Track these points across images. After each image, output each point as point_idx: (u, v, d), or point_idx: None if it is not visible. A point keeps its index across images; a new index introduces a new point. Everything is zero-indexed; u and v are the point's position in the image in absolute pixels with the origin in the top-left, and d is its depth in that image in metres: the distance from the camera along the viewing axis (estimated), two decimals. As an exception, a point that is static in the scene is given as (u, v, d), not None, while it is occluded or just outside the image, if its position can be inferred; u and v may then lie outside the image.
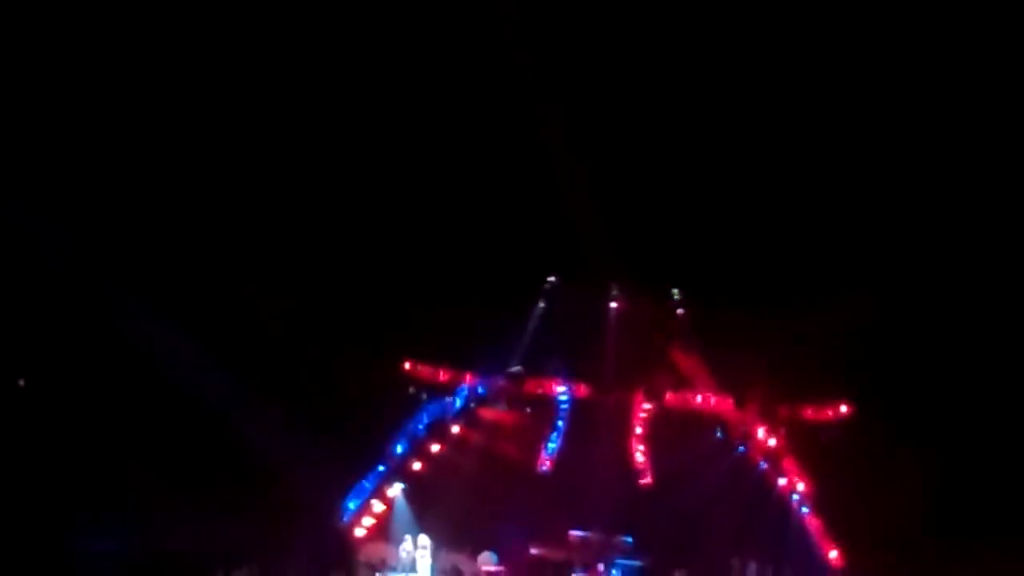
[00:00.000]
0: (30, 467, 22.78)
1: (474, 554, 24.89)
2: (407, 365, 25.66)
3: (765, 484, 25.24)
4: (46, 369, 23.91)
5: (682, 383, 25.70)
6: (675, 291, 26.12)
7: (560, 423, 25.38)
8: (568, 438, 25.28)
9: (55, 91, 22.16)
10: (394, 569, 23.95)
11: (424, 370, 25.71)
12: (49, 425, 23.27)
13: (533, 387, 25.79)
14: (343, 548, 24.59)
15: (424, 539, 24.00)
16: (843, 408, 25.32)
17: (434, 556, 23.95)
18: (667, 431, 25.47)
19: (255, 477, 23.63)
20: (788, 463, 25.13)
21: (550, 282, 26.09)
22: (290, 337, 24.48)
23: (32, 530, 21.73)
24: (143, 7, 22.07)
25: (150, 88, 22.71)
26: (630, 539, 24.83)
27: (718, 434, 25.76)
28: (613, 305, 26.12)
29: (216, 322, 24.10)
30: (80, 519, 22.61)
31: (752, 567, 25.25)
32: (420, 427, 25.37)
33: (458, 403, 25.54)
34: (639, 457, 25.19)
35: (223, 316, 24.16)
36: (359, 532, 24.59)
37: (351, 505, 24.72)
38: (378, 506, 24.68)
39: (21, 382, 23.94)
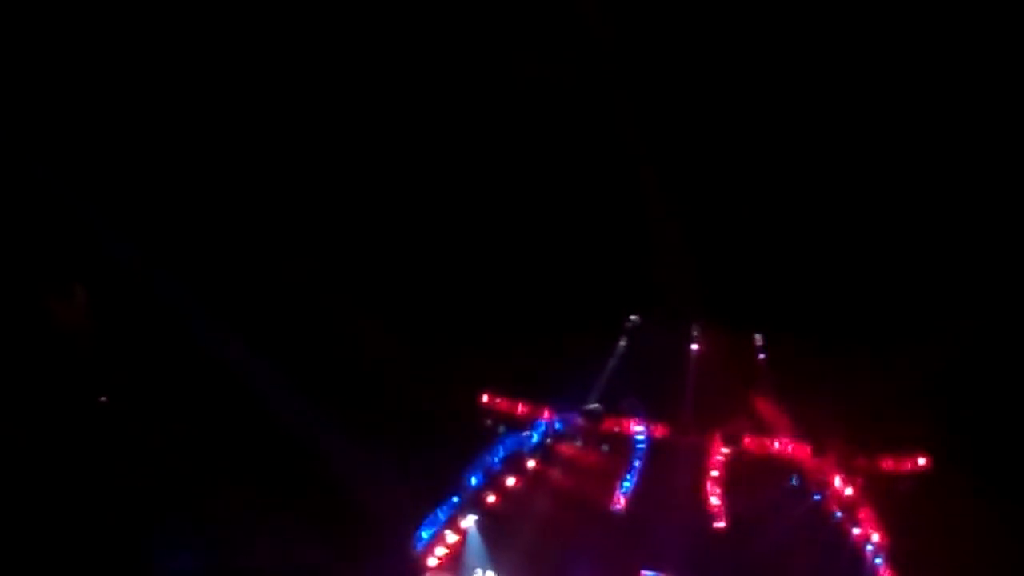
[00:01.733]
0: (111, 484, 23.02)
1: (544, 590, 25.07)
2: (485, 397, 25.73)
3: (840, 533, 25.08)
4: (128, 387, 24.18)
5: (760, 428, 25.60)
6: (757, 335, 25.99)
7: (636, 462, 25.39)
8: (643, 478, 25.31)
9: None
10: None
11: (502, 403, 25.80)
12: (130, 443, 23.51)
13: (611, 425, 25.76)
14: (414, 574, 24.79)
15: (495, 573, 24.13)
16: (921, 460, 25.09)
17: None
18: (743, 475, 25.40)
19: (333, 500, 23.77)
20: (864, 513, 24.98)
21: (632, 320, 26.03)
22: (373, 363, 24.60)
23: (113, 547, 21.96)
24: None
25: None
26: (703, 580, 24.76)
27: (794, 481, 25.62)
28: (694, 346, 26.04)
29: (301, 347, 24.27)
30: (160, 537, 22.81)
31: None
32: (496, 460, 25.43)
33: (535, 438, 25.57)
34: (714, 500, 25.18)
35: (309, 341, 24.33)
36: (431, 562, 24.73)
37: (425, 534, 24.83)
38: (451, 536, 24.80)
39: (104, 399, 24.18)
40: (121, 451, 23.48)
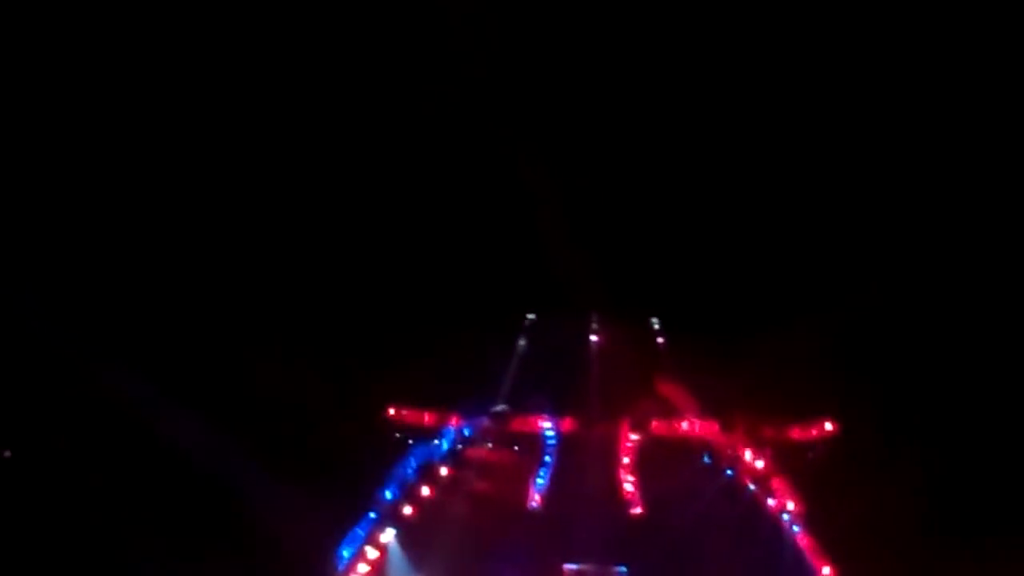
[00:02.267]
0: (18, 542, 22.69)
1: (470, 595, 25.03)
2: (391, 411, 25.70)
3: (755, 506, 25.30)
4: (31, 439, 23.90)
5: (667, 411, 25.81)
6: (654, 320, 26.23)
7: (548, 458, 25.49)
8: (557, 473, 25.41)
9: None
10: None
11: (409, 414, 25.80)
12: (35, 495, 23.20)
13: (519, 425, 25.87)
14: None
15: (420, 583, 24.13)
16: (827, 425, 25.44)
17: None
18: (655, 459, 25.62)
19: (246, 533, 23.56)
20: (777, 483, 25.19)
21: (529, 319, 26.16)
22: (272, 390, 24.48)
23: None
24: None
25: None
26: (624, 569, 24.82)
27: (706, 459, 25.90)
28: (593, 338, 26.21)
29: (195, 378, 24.11)
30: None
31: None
32: (409, 471, 25.36)
33: (445, 445, 25.56)
34: (628, 487, 25.33)
35: (202, 371, 24.17)
36: (354, 578, 24.61)
37: (345, 553, 24.63)
38: (372, 553, 24.60)
39: (7, 453, 23.86)
40: (28, 506, 23.12)
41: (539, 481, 25.26)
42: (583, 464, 25.56)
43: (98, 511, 23.25)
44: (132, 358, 23.57)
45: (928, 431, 24.24)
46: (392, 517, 24.89)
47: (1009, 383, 23.87)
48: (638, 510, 25.14)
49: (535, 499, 25.10)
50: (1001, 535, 22.51)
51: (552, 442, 25.63)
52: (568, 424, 25.84)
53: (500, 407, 25.76)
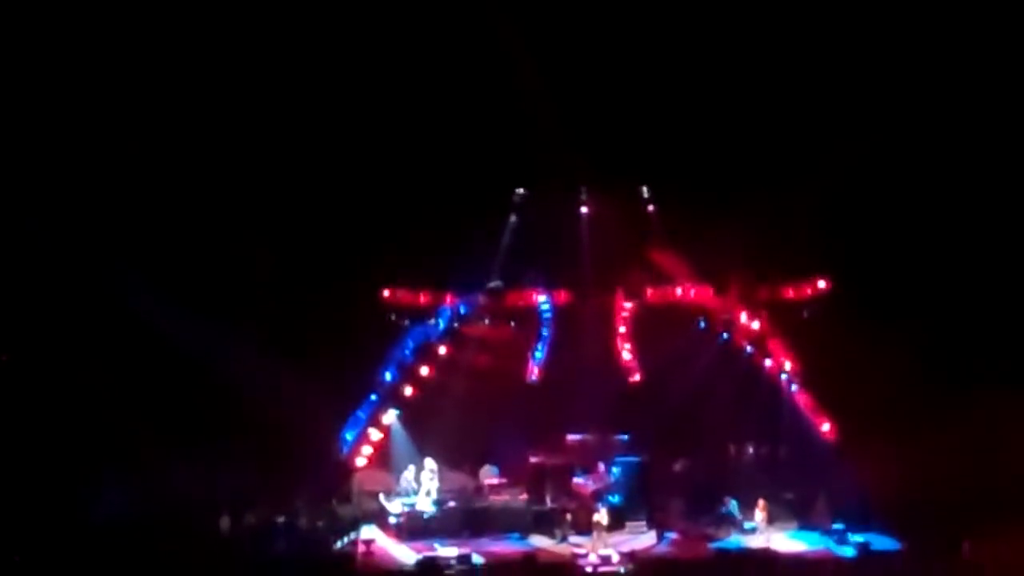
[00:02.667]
0: (28, 439, 22.82)
1: (475, 470, 25.27)
2: (386, 293, 25.75)
3: (753, 367, 25.53)
4: (30, 341, 23.91)
5: (660, 278, 25.91)
6: (644, 188, 26.17)
7: (545, 332, 25.60)
8: (554, 345, 25.53)
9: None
10: (398, 495, 24.26)
11: (404, 296, 25.86)
12: (40, 395, 23.28)
13: (514, 300, 26.00)
14: (345, 480, 24.92)
15: (431, 462, 24.35)
16: (821, 283, 25.55)
17: (436, 476, 24.29)
18: (651, 327, 25.75)
19: (250, 421, 23.74)
20: (773, 344, 25.42)
21: (519, 194, 26.09)
22: (267, 279, 24.51)
23: (38, 501, 21.81)
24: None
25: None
26: (626, 437, 25.11)
27: (701, 324, 26.06)
28: (584, 210, 26.21)
29: (192, 269, 24.13)
30: (85, 485, 22.65)
31: (749, 449, 25.69)
32: (407, 352, 25.52)
33: (442, 324, 25.68)
34: (626, 356, 25.49)
35: (198, 262, 24.18)
36: (359, 462, 24.86)
37: (348, 436, 24.92)
38: (375, 434, 24.90)
39: (3, 357, 23.91)
40: (33, 405, 23.21)
41: (537, 355, 25.34)
42: (580, 335, 25.70)
43: (102, 404, 23.29)
44: (126, 250, 23.50)
45: (921, 285, 24.31)
46: (393, 398, 25.12)
47: (1000, 239, 23.86)
48: (636, 378, 25.26)
49: (534, 372, 25.20)
50: (991, 387, 22.70)
51: (548, 315, 25.68)
52: (563, 296, 25.91)
53: (495, 283, 25.84)
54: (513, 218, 26.21)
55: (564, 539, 22.88)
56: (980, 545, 19.58)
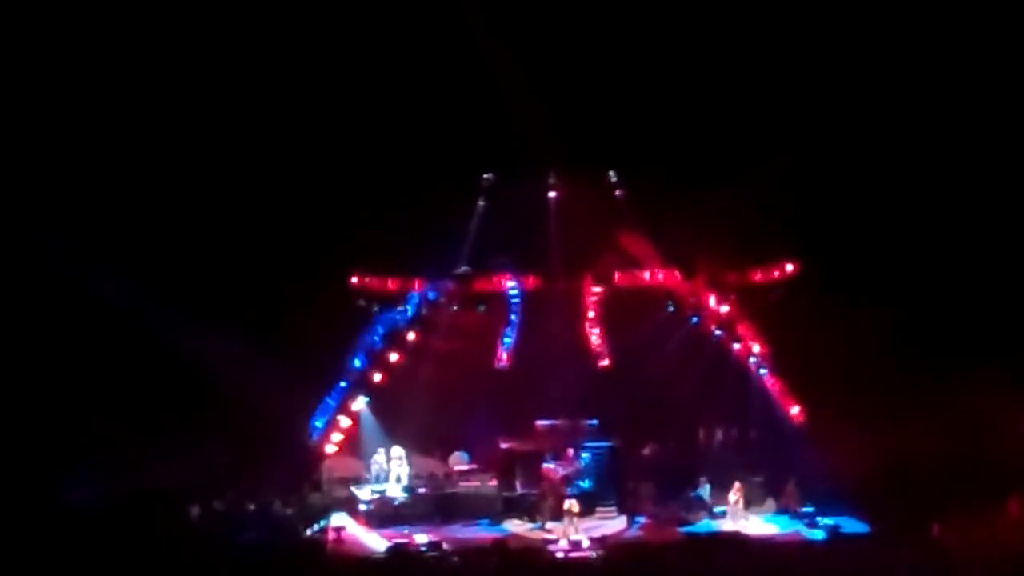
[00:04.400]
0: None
1: (445, 456, 25.27)
2: (354, 279, 25.62)
3: (722, 351, 25.58)
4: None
5: (629, 262, 25.89)
6: (611, 173, 26.13)
7: (513, 317, 25.56)
8: (523, 331, 25.50)
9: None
10: (368, 481, 24.21)
11: (372, 282, 25.73)
12: (8, 381, 23.01)
13: (483, 285, 25.91)
14: (315, 467, 24.84)
15: (398, 449, 24.34)
16: (788, 267, 25.60)
17: (406, 462, 24.28)
18: (619, 311, 25.78)
19: (221, 408, 23.59)
20: (742, 327, 25.48)
21: (487, 178, 25.98)
22: (236, 264, 24.31)
23: (9, 487, 21.60)
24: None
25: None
26: (596, 422, 25.10)
27: (670, 308, 26.06)
28: (552, 194, 26.13)
29: (162, 255, 23.95)
30: (57, 470, 22.44)
31: (719, 433, 25.74)
32: (376, 339, 25.41)
33: (410, 311, 25.58)
34: (595, 340, 25.52)
35: (168, 248, 24.00)
36: (329, 449, 24.81)
37: (318, 423, 24.84)
38: (344, 421, 24.85)
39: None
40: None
41: (506, 340, 25.32)
42: (548, 320, 25.65)
43: (72, 391, 23.07)
44: (93, 234, 23.31)
45: (887, 267, 24.39)
46: (362, 385, 25.05)
47: (968, 219, 23.94)
48: (605, 362, 25.28)
49: (503, 358, 25.17)
50: (960, 370, 22.77)
51: (516, 301, 25.64)
52: (531, 282, 25.88)
53: (463, 269, 25.75)
54: (481, 202, 26.06)
55: (540, 525, 22.90)
56: (950, 527, 19.63)
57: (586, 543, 21.59)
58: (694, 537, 21.95)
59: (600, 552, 21.08)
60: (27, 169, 22.94)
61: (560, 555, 21.12)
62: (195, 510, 22.76)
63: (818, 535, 21.67)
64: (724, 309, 25.49)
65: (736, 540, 21.24)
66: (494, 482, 24.44)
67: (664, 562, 19.09)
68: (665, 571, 18.76)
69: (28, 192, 22.89)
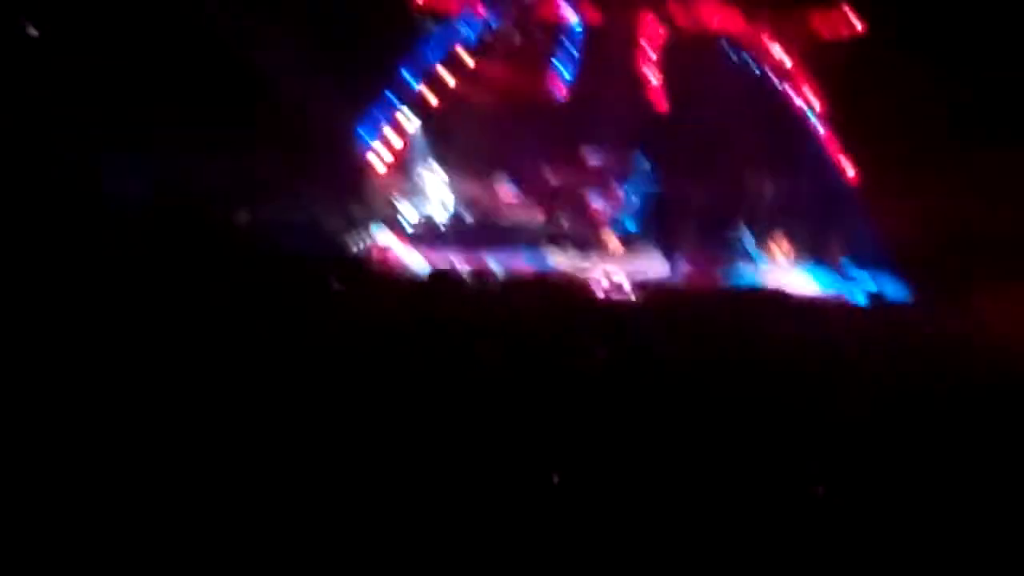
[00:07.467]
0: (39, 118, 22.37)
1: (492, 185, 25.23)
2: (420, -2, 24.97)
3: (782, 104, 25.19)
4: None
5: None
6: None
7: (572, 50, 25.06)
8: (582, 65, 25.05)
9: None
10: (415, 203, 24.27)
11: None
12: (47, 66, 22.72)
13: (544, 13, 25.24)
14: (363, 180, 24.78)
15: (445, 173, 24.27)
16: (858, 25, 24.92)
17: (453, 187, 24.23)
18: (681, 54, 25.21)
19: (271, 111, 23.25)
20: (804, 82, 25.00)
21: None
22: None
23: (49, 181, 21.53)
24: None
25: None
26: (645, 161, 24.93)
27: (732, 56, 25.52)
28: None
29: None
30: (106, 164, 22.30)
31: (768, 182, 25.58)
32: (432, 60, 24.94)
33: (470, 34, 25.03)
34: (654, 81, 25.08)
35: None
36: (379, 167, 24.66)
37: (367, 137, 24.62)
38: (397, 141, 24.62)
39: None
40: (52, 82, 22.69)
41: (564, 73, 24.89)
42: (608, 57, 25.11)
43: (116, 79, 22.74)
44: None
45: (954, 37, 23.71)
46: (416, 105, 24.71)
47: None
48: (662, 104, 24.94)
49: (560, 90, 24.81)
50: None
51: (579, 34, 25.05)
52: (593, 16, 25.19)
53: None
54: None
55: (583, 262, 22.97)
56: (995, 302, 19.68)
57: (627, 285, 21.71)
58: (735, 289, 22.05)
59: (639, 294, 21.26)
60: None
61: (600, 295, 21.30)
62: (243, 215, 22.79)
63: (860, 299, 21.77)
64: (788, 63, 24.97)
65: (778, 295, 21.35)
66: (540, 215, 24.47)
67: (703, 314, 19.20)
68: (703, 323, 18.92)
69: None
